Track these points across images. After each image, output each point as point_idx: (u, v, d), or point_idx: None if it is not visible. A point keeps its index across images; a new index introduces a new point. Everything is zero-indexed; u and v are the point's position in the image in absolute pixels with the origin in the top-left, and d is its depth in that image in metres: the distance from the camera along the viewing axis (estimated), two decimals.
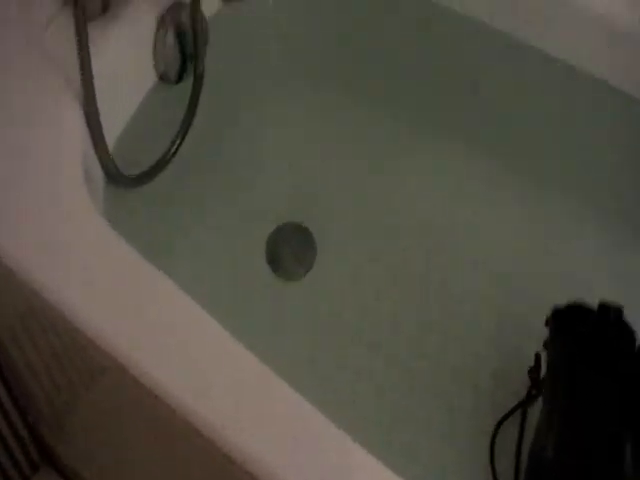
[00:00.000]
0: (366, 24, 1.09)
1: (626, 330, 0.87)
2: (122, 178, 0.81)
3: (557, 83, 1.02)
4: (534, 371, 0.94)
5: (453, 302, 1.07)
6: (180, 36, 0.91)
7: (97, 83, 0.72)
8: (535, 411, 0.91)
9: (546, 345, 0.90)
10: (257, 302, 1.06)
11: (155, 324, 0.60)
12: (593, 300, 0.89)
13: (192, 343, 0.60)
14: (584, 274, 1.06)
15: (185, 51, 0.92)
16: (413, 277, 1.09)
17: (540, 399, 0.92)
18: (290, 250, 1.09)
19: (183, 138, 0.93)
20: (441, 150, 1.15)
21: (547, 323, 0.90)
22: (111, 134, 0.79)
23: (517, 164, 1.11)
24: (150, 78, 0.90)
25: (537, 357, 0.94)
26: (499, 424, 0.97)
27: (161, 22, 0.88)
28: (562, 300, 0.91)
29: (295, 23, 1.12)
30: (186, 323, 0.61)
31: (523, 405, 0.96)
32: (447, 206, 1.14)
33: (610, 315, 0.87)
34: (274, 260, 1.08)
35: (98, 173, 0.77)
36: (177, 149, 0.91)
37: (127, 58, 0.85)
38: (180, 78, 0.93)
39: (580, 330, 0.88)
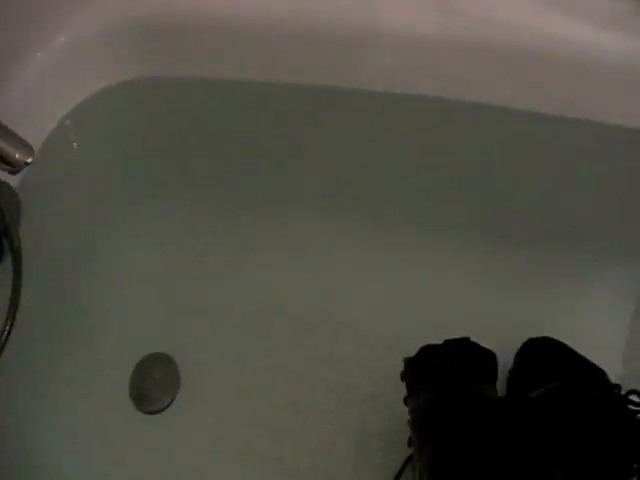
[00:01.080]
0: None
1: (480, 354, 0.80)
2: None
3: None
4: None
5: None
6: None
7: None
8: None
9: (405, 402, 0.82)
10: (127, 443, 1.01)
11: None
12: None
13: None
14: None
15: None
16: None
17: None
18: (154, 381, 1.03)
19: (14, 319, 0.89)
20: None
21: (402, 377, 0.83)
22: None
23: None
24: None
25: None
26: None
27: None
28: None
29: (111, 151, 1.14)
30: None
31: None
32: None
33: (459, 346, 0.80)
34: (139, 395, 1.02)
35: None
36: (8, 333, 0.87)
37: None
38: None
39: (433, 375, 0.80)
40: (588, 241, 1.06)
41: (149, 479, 0.98)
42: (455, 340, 0.82)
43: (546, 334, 0.97)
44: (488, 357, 0.83)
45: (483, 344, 0.93)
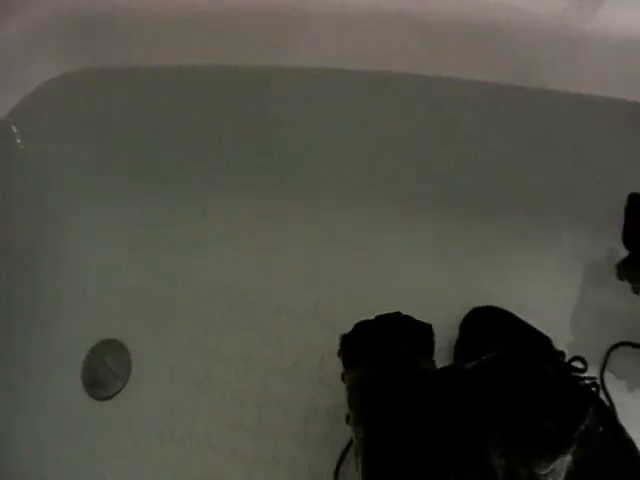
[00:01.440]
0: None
1: (415, 327, 0.79)
2: None
3: None
4: None
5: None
6: None
7: None
8: None
9: (343, 378, 0.82)
10: (79, 429, 1.02)
11: None
12: None
13: None
14: None
15: None
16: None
17: None
18: (105, 368, 1.04)
19: None
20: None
21: (339, 354, 0.83)
22: None
23: None
24: None
25: None
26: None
27: None
28: None
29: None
30: None
31: None
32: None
33: (392, 320, 0.80)
34: (91, 382, 1.03)
35: None
36: None
37: None
38: None
39: (367, 351, 0.79)
40: (535, 210, 1.05)
41: (101, 462, 0.99)
42: (387, 315, 0.82)
43: (491, 303, 0.96)
44: (423, 330, 0.83)
45: (430, 315, 0.93)
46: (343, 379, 0.83)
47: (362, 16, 0.98)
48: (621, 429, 0.88)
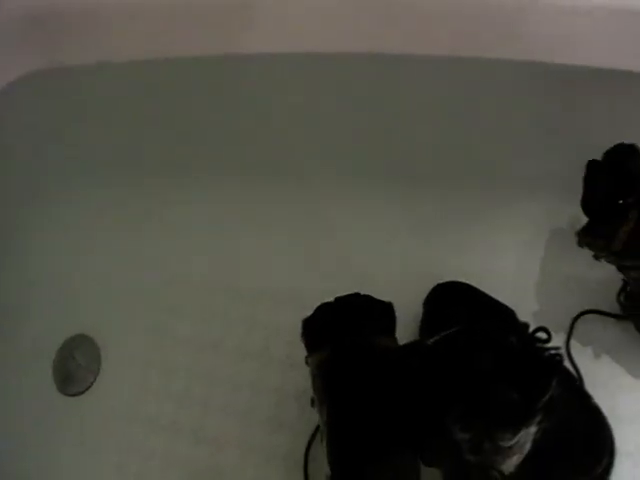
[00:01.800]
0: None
1: (375, 306, 0.79)
2: None
3: None
4: None
5: None
6: None
7: None
8: None
9: (307, 362, 0.82)
10: (53, 426, 1.02)
11: None
12: None
13: None
14: None
15: None
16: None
17: None
18: (75, 363, 1.04)
19: None
20: None
21: (302, 338, 0.83)
22: None
23: None
24: None
25: None
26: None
27: None
28: None
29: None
30: None
31: None
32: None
33: (352, 301, 0.80)
34: (62, 379, 1.03)
35: None
36: None
37: None
38: None
39: (327, 333, 0.79)
40: (496, 181, 1.04)
41: (75, 456, 1.00)
42: (347, 296, 0.82)
43: (456, 278, 0.96)
44: (383, 308, 0.83)
45: (396, 293, 0.93)
46: (307, 362, 0.83)
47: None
48: (588, 397, 0.88)
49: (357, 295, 0.82)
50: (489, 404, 0.75)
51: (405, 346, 0.82)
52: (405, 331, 0.92)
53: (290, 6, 1.01)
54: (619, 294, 0.96)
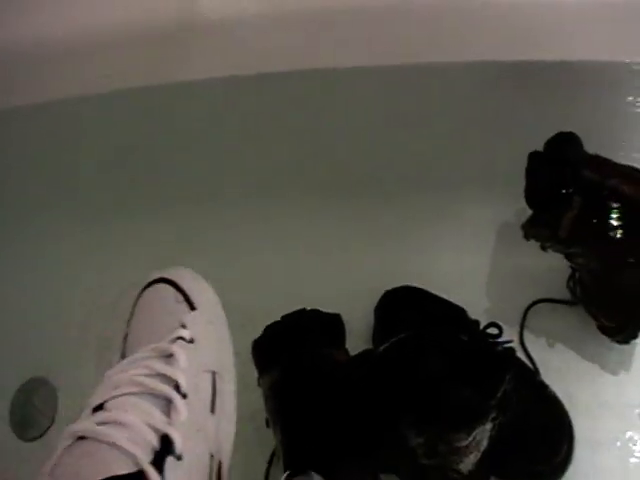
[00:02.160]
0: None
1: (323, 320, 0.79)
2: None
3: None
4: None
5: None
6: None
7: None
8: None
9: (259, 383, 0.81)
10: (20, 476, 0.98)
11: None
12: None
13: None
14: None
15: None
16: None
17: None
18: (32, 407, 1.02)
19: None
20: None
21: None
22: None
23: None
24: None
25: None
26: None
27: None
28: None
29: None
30: None
31: None
32: None
33: (298, 317, 0.79)
34: (19, 423, 1.01)
35: None
36: None
37: None
38: None
39: (276, 353, 0.79)
40: (442, 182, 1.04)
41: None
42: (293, 313, 0.81)
43: (405, 283, 0.96)
44: (331, 321, 0.82)
45: (349, 304, 0.93)
46: (259, 384, 0.82)
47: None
48: (544, 387, 0.89)
49: (303, 311, 0.82)
50: (441, 407, 0.75)
51: (355, 356, 0.82)
52: (358, 341, 0.92)
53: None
54: (569, 280, 0.97)
